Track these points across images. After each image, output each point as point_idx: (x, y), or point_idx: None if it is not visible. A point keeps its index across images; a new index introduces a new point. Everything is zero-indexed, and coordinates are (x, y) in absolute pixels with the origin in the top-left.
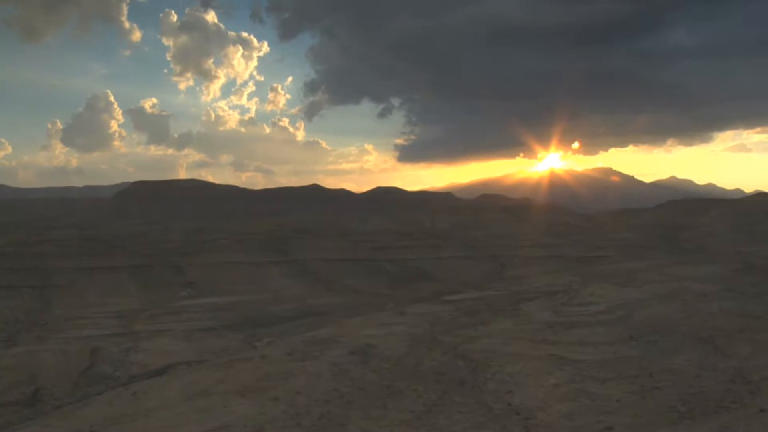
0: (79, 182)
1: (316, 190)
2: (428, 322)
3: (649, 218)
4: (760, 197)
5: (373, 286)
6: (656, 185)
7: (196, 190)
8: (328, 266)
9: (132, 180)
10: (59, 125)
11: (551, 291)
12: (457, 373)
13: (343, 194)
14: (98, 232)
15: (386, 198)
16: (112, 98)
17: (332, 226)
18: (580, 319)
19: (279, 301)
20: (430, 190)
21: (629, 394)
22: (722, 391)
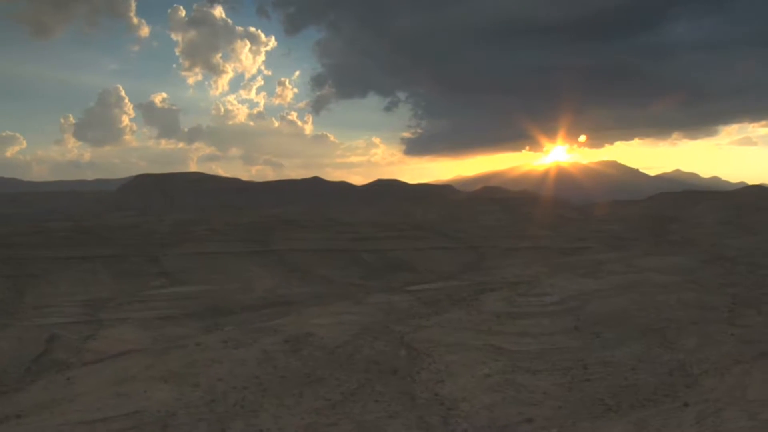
0: (90, 176)
1: (317, 182)
2: (384, 311)
3: (639, 210)
4: (751, 190)
5: (347, 277)
6: (661, 178)
7: (198, 182)
8: (306, 257)
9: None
10: (71, 120)
11: (515, 282)
12: (394, 363)
13: (345, 186)
14: (92, 224)
15: (386, 190)
16: (123, 93)
17: (322, 218)
18: (530, 309)
19: (249, 290)
20: (436, 182)
21: (558, 386)
22: (656, 384)
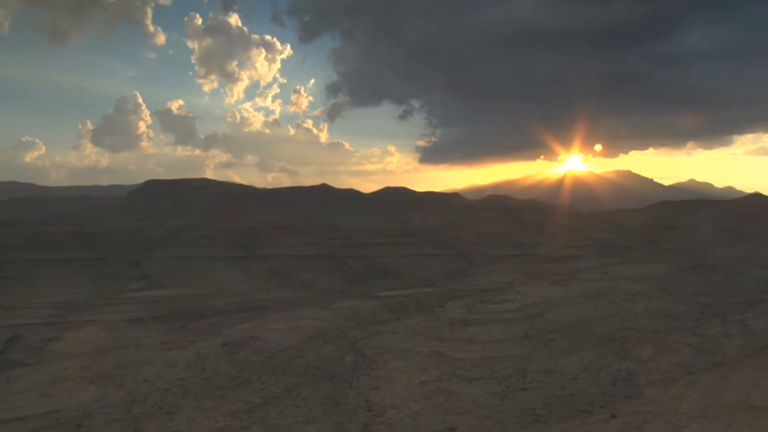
0: (105, 181)
1: (325, 189)
2: (346, 317)
3: (639, 219)
4: (753, 198)
5: (329, 282)
6: (675, 188)
7: (206, 189)
8: (290, 262)
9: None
10: (89, 126)
11: (487, 289)
12: (335, 368)
13: (352, 194)
14: (91, 228)
15: (393, 198)
16: (140, 100)
17: (318, 224)
18: (487, 317)
19: (225, 294)
20: (448, 191)
21: (491, 394)
22: (595, 395)
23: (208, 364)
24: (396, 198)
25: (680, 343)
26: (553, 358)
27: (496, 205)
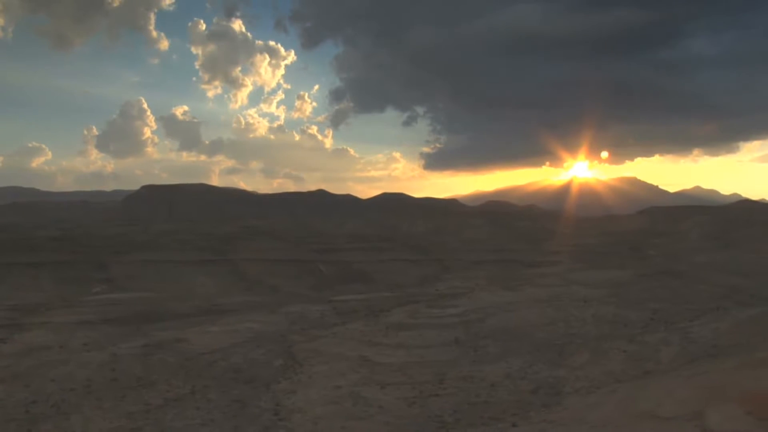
0: (111, 187)
1: (322, 194)
2: (291, 321)
3: (629, 225)
4: (744, 204)
5: (296, 287)
6: (680, 195)
7: (202, 194)
8: (260, 266)
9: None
10: (95, 131)
11: (445, 294)
12: (258, 371)
13: (349, 200)
14: (78, 233)
15: (389, 204)
16: (145, 105)
17: (302, 229)
18: (426, 321)
19: (187, 298)
20: (448, 198)
21: (401, 400)
22: (511, 403)
23: (120, 366)
24: (392, 204)
25: (617, 351)
26: (478, 365)
27: (491, 210)
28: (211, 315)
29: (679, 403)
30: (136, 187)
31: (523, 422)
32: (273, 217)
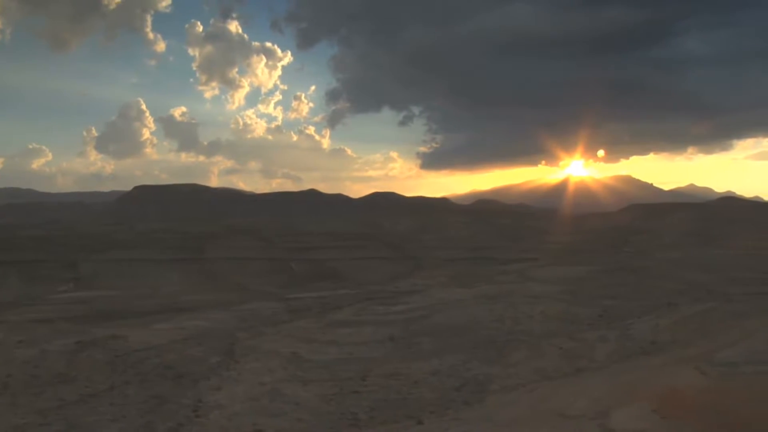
0: (111, 188)
1: (312, 194)
2: (242, 318)
3: (610, 221)
4: (728, 201)
5: (265, 285)
6: (674, 193)
7: (194, 194)
8: (231, 264)
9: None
10: (94, 132)
11: (404, 291)
12: (191, 368)
13: (341, 199)
14: (62, 233)
15: (379, 203)
16: (144, 106)
17: (283, 227)
18: (368, 318)
19: (151, 296)
20: (440, 197)
21: (319, 397)
22: (432, 400)
23: (44, 362)
24: (383, 203)
25: (554, 348)
26: (407, 362)
27: (478, 209)
28: (169, 313)
29: (591, 401)
30: (129, 188)
31: (431, 420)
32: (260, 217)
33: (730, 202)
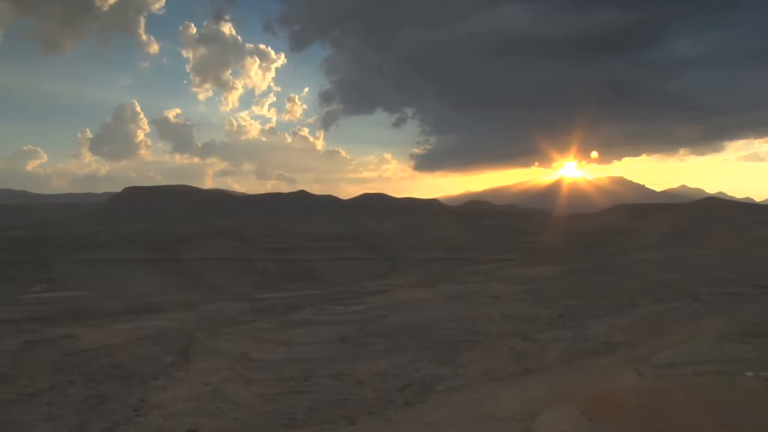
0: (106, 189)
1: (302, 195)
2: (204, 318)
3: (592, 222)
4: (709, 202)
5: (238, 285)
6: (666, 194)
7: (184, 195)
8: (207, 265)
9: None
10: (89, 134)
11: (370, 292)
12: (141, 368)
13: (330, 200)
14: (43, 234)
15: (368, 204)
16: (138, 108)
17: (267, 229)
18: (325, 318)
19: (122, 297)
20: (430, 198)
21: (259, 396)
22: (372, 400)
23: None
24: (371, 204)
25: (506, 348)
26: (354, 362)
27: (465, 210)
28: (137, 313)
29: (524, 402)
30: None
31: (365, 421)
32: (245, 218)
33: (712, 203)
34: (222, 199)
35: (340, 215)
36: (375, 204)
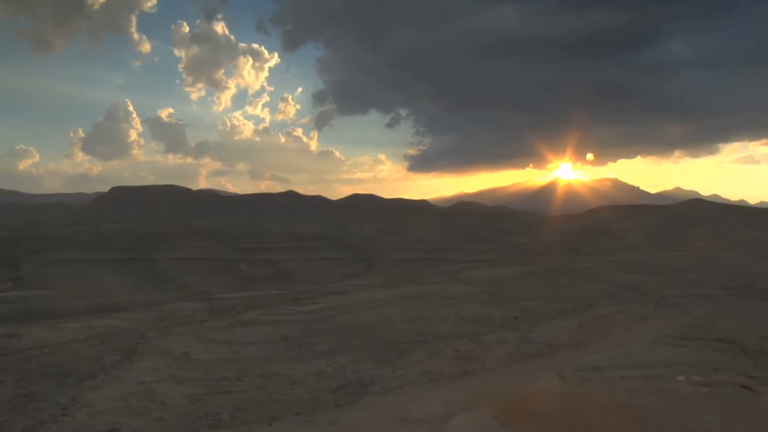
0: (91, 189)
1: (291, 195)
2: (160, 318)
3: (575, 223)
4: (694, 204)
5: (207, 285)
6: (661, 196)
7: (171, 195)
8: (179, 265)
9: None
10: (81, 134)
11: (333, 292)
12: (81, 367)
13: (319, 201)
14: (20, 233)
15: (357, 205)
16: (131, 108)
17: (246, 229)
18: (273, 318)
19: (87, 297)
20: (437, 199)
21: (188, 396)
22: (302, 401)
23: None
24: (360, 204)
25: (450, 350)
26: (292, 362)
27: (452, 211)
28: (100, 313)
29: (443, 405)
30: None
31: (285, 422)
32: (228, 218)
33: (695, 205)
34: (210, 199)
35: (325, 216)
36: (363, 205)
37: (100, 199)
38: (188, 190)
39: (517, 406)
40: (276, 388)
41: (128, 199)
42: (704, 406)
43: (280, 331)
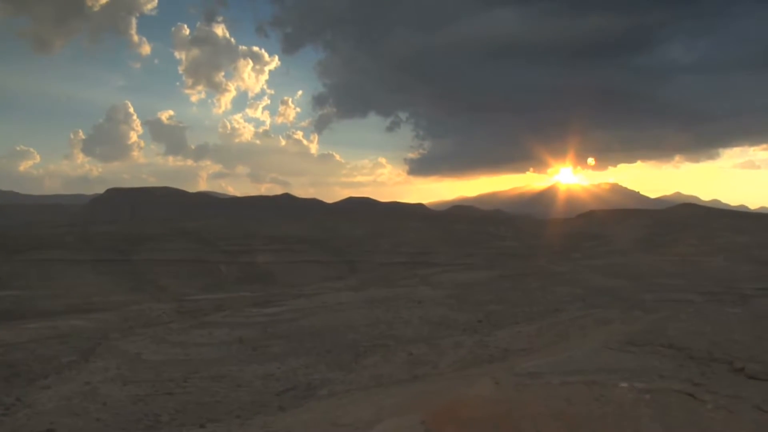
0: (91, 191)
1: (287, 198)
2: (126, 319)
3: (566, 227)
4: (684, 208)
5: (185, 287)
6: (661, 201)
7: (166, 197)
8: (158, 266)
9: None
10: (81, 135)
11: (306, 294)
12: (34, 367)
13: (313, 204)
14: (9, 233)
15: (351, 208)
16: (131, 109)
17: (233, 231)
18: (235, 320)
19: (61, 297)
20: (437, 203)
21: (130, 397)
22: (245, 403)
23: None
24: (355, 208)
25: (405, 354)
26: (241, 365)
27: (449, 214)
28: (72, 313)
29: (375, 410)
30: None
31: (220, 424)
32: (218, 220)
33: (686, 209)
34: (205, 201)
35: (318, 219)
36: (358, 208)
37: (96, 200)
38: (184, 192)
39: (447, 411)
40: (221, 390)
41: (123, 201)
42: (645, 413)
43: (237, 333)
